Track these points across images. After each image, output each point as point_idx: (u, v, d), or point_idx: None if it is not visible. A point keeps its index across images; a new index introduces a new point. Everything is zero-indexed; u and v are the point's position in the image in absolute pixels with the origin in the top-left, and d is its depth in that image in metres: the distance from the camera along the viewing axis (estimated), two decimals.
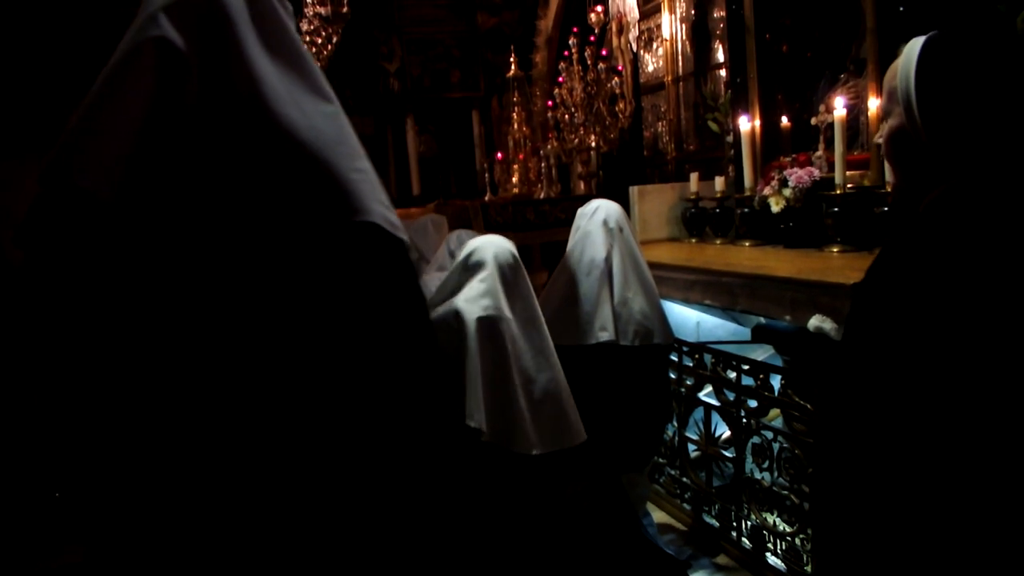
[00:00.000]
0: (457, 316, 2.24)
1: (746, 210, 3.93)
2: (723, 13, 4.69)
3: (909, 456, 1.21)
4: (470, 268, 2.36)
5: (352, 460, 1.32)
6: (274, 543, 1.29)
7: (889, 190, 3.06)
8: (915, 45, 1.35)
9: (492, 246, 2.40)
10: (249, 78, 1.26)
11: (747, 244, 3.91)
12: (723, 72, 4.87)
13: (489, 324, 2.24)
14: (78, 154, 1.16)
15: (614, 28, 5.86)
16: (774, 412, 3.17)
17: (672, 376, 3.54)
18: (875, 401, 1.27)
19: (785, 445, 3.01)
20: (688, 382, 3.56)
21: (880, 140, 1.47)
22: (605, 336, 2.81)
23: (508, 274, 2.37)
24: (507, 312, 2.30)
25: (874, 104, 3.29)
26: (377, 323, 1.33)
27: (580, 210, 3.06)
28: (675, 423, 3.63)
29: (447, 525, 1.49)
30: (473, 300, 2.27)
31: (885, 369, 1.25)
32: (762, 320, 3.42)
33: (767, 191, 3.68)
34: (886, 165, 3.07)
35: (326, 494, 1.31)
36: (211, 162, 1.23)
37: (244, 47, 1.27)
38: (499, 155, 6.41)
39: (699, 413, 3.51)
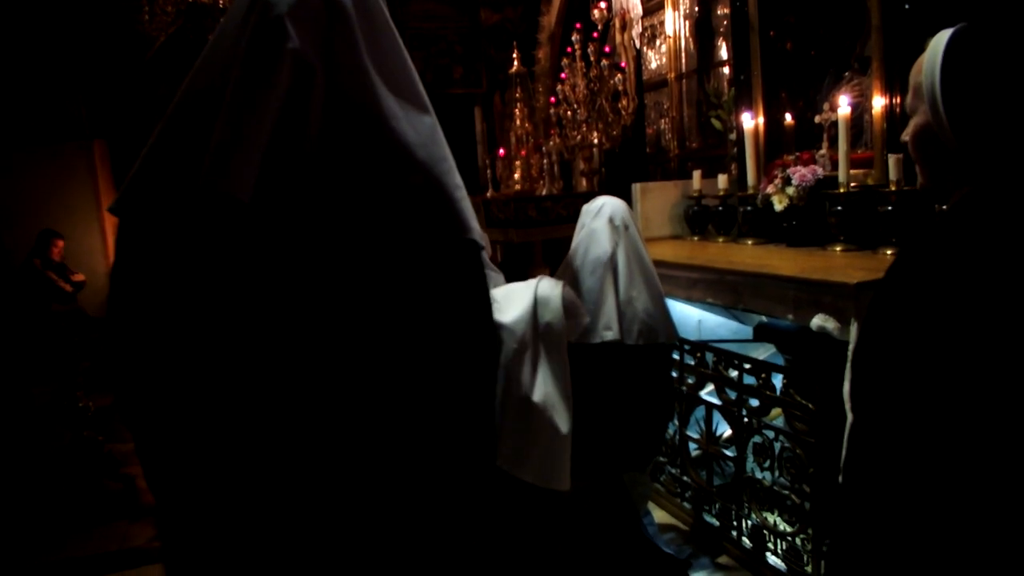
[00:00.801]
0: None
1: (749, 208, 3.92)
2: (727, 10, 4.67)
3: (932, 457, 1.19)
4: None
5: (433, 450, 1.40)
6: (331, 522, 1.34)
7: (893, 189, 3.05)
8: (941, 39, 1.31)
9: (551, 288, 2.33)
10: (366, 92, 1.29)
11: (750, 242, 3.90)
12: (726, 69, 4.85)
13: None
14: (225, 164, 1.21)
15: (617, 24, 5.84)
16: (775, 411, 3.17)
17: (674, 374, 3.54)
18: (895, 402, 1.25)
19: (786, 444, 3.01)
20: (690, 380, 3.56)
21: (906, 138, 1.43)
22: (610, 335, 2.80)
23: (542, 318, 2.27)
24: (523, 332, 2.21)
25: (879, 102, 3.28)
26: (470, 325, 1.44)
27: (585, 207, 3.04)
28: (676, 422, 3.63)
29: (459, 524, 1.54)
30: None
31: (902, 373, 1.24)
32: (764, 319, 3.41)
33: (770, 189, 3.67)
34: (890, 163, 3.07)
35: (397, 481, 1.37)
36: (334, 174, 1.27)
37: (361, 56, 1.29)
38: (501, 151, 6.39)
39: (700, 412, 3.51)
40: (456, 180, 1.40)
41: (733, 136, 4.34)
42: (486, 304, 1.48)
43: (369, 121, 1.29)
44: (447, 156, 1.40)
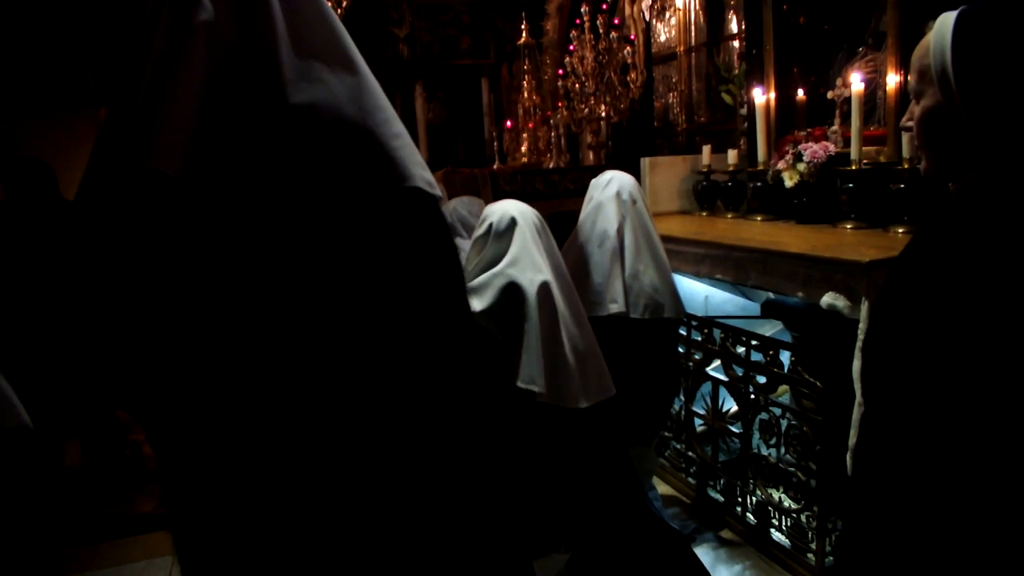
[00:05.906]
0: (512, 286, 2.24)
1: (759, 184, 3.89)
2: None
3: (948, 445, 1.19)
4: (501, 234, 2.36)
5: (416, 402, 1.40)
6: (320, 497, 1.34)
7: (906, 167, 3.02)
8: (947, 20, 1.29)
9: (514, 208, 2.40)
10: (275, 57, 1.26)
11: (759, 219, 3.88)
12: (736, 43, 4.81)
13: (545, 291, 2.25)
14: (149, 137, 1.19)
15: None
16: (782, 388, 3.17)
17: (680, 350, 3.53)
18: (909, 388, 1.24)
19: (793, 422, 3.01)
20: (696, 356, 3.55)
21: (910, 123, 1.41)
22: (616, 308, 2.80)
23: (540, 232, 2.38)
24: (550, 274, 2.31)
25: (893, 79, 3.24)
26: (422, 278, 1.42)
27: (594, 181, 3.03)
28: (682, 397, 3.63)
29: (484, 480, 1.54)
30: (523, 268, 2.27)
31: (917, 360, 1.22)
32: (771, 295, 3.40)
33: (781, 165, 3.64)
34: (903, 141, 3.04)
35: (372, 443, 1.37)
36: (261, 142, 1.25)
37: (274, 21, 1.27)
38: (508, 123, 6.36)
39: (706, 388, 3.51)
40: (394, 130, 1.37)
41: (743, 111, 4.30)
42: (442, 253, 1.45)
43: (277, 88, 1.26)
44: (382, 106, 1.37)
